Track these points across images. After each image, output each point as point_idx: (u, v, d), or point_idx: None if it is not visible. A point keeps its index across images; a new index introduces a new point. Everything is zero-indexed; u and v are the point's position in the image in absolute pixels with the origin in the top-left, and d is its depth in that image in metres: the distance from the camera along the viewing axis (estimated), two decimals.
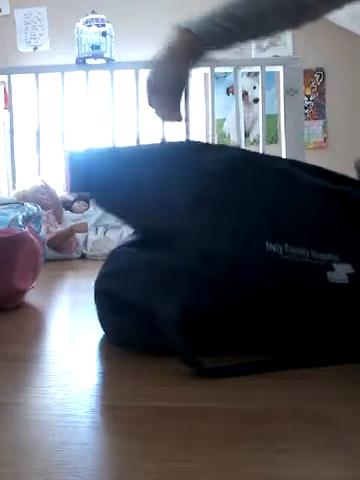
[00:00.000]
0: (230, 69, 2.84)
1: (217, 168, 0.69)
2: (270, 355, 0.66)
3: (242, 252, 0.66)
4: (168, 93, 0.89)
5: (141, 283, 0.71)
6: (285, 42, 4.09)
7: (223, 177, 0.69)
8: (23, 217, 1.11)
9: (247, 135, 3.94)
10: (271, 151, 2.94)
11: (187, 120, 2.71)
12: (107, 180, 0.73)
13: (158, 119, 0.94)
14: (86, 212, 2.34)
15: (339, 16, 3.74)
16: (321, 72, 4.07)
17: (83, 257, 2.07)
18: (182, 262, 0.67)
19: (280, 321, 0.67)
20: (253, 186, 0.69)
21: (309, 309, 0.67)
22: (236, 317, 0.67)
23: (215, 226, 0.67)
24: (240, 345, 0.68)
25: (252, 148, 3.65)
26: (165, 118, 0.93)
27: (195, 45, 0.86)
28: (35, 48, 3.31)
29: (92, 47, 2.67)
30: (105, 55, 2.68)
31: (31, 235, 1.08)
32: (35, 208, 1.20)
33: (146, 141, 2.75)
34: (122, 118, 2.87)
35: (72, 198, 2.53)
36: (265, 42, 4.09)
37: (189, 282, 0.67)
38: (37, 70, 2.78)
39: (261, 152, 2.73)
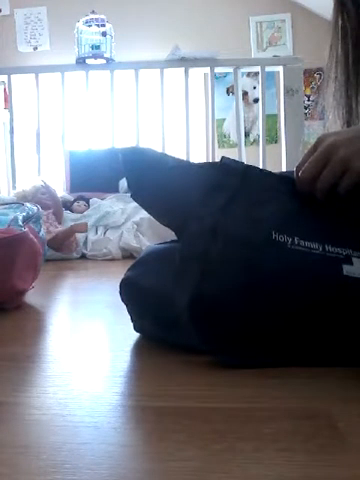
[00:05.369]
0: (230, 69, 2.84)
1: (234, 166, 0.74)
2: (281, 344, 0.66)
3: (250, 236, 0.67)
4: None
5: (154, 271, 0.74)
6: (285, 42, 4.09)
7: (239, 173, 0.72)
8: (23, 217, 1.11)
9: (247, 135, 3.94)
10: (271, 151, 2.94)
11: (187, 120, 2.71)
12: (153, 180, 0.78)
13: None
14: (86, 212, 2.34)
15: None
16: (321, 72, 4.07)
17: (83, 257, 2.06)
18: (192, 245, 0.68)
19: (289, 308, 0.66)
20: (263, 186, 0.72)
21: (320, 299, 0.66)
22: (245, 302, 0.66)
23: (227, 210, 0.69)
24: (250, 331, 0.67)
25: (252, 148, 3.66)
26: None
27: None
28: (35, 48, 3.31)
29: (92, 47, 2.67)
30: (105, 55, 2.68)
31: (31, 235, 1.08)
32: (35, 208, 1.19)
33: (145, 141, 2.75)
34: (122, 118, 2.87)
35: (72, 198, 2.53)
36: (264, 42, 4.09)
37: (199, 264, 0.67)
38: (37, 70, 2.78)
39: (261, 153, 2.73)
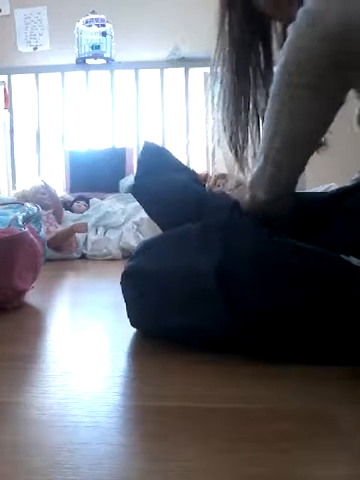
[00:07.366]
0: None
1: None
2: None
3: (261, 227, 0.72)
4: None
5: (160, 255, 0.75)
6: None
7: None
8: (23, 217, 1.11)
9: None
10: None
11: (187, 120, 2.71)
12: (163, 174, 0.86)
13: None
14: (86, 212, 2.34)
15: None
16: None
17: (83, 257, 2.06)
18: (215, 217, 0.73)
19: (297, 285, 0.67)
20: None
21: (323, 280, 0.66)
22: (259, 275, 0.67)
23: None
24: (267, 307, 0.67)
25: None
26: None
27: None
28: (35, 48, 3.30)
29: (92, 47, 2.67)
30: (105, 55, 2.68)
31: (31, 235, 1.08)
32: (35, 208, 1.19)
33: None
34: (122, 118, 2.87)
35: (72, 198, 2.53)
36: None
37: (223, 234, 0.69)
38: (37, 70, 2.78)
39: None
